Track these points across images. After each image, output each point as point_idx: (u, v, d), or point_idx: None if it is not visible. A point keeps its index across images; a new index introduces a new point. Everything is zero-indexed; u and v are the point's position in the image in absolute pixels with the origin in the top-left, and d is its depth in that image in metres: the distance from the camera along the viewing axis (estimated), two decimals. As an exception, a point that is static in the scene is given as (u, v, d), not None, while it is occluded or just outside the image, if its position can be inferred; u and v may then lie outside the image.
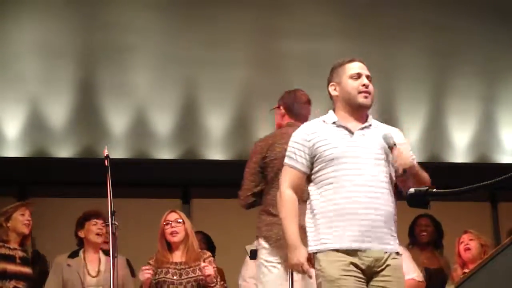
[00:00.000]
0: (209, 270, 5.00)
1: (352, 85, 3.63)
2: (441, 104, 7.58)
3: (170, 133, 7.46)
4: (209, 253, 5.26)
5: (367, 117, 3.69)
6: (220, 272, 5.49)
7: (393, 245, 3.54)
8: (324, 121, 3.68)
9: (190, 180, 7.67)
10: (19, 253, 5.34)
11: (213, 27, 6.74)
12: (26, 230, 5.41)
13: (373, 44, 6.83)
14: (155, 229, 5.23)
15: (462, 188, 3.00)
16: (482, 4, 6.74)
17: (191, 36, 6.80)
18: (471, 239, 5.67)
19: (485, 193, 7.91)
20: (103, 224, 5.35)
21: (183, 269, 5.06)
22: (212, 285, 5.01)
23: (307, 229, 3.57)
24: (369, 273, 3.48)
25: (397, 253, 3.57)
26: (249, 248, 4.73)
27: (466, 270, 5.36)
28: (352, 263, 3.45)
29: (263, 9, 6.69)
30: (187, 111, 7.32)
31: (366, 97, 3.63)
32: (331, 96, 3.73)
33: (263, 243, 4.48)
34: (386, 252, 3.51)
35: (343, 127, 3.62)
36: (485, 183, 2.88)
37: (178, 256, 5.13)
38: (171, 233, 5.14)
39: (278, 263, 4.43)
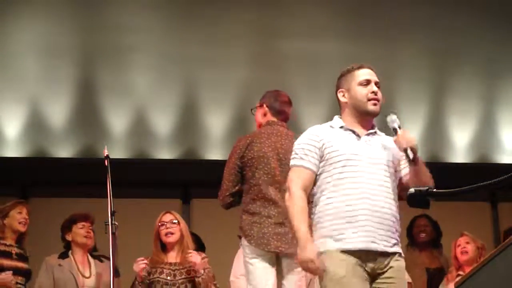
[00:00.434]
0: (195, 258, 5.01)
1: (361, 92, 3.65)
2: (441, 104, 7.58)
3: (170, 133, 7.46)
4: (204, 255, 5.26)
5: (373, 125, 3.71)
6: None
7: (396, 247, 3.56)
8: (331, 126, 3.70)
9: (190, 180, 7.67)
10: (15, 250, 5.34)
11: (213, 27, 6.74)
12: (22, 228, 5.41)
13: (373, 44, 6.83)
14: (155, 229, 5.24)
15: (462, 188, 3.00)
16: (482, 4, 6.74)
17: (191, 36, 6.80)
18: (467, 242, 5.72)
19: (485, 193, 7.91)
20: (91, 227, 5.37)
21: (177, 270, 5.07)
22: (198, 275, 5.00)
23: (312, 230, 3.58)
24: (373, 274, 3.50)
25: (400, 254, 3.59)
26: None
27: (461, 273, 5.41)
28: (356, 264, 3.46)
29: (263, 9, 6.69)
30: (187, 111, 7.32)
31: (375, 104, 3.65)
32: (339, 102, 3.74)
33: (245, 242, 4.55)
34: (390, 254, 3.52)
35: (351, 130, 3.65)
36: (485, 183, 2.88)
37: (172, 256, 5.14)
38: (166, 234, 5.15)
39: (262, 259, 4.49)
